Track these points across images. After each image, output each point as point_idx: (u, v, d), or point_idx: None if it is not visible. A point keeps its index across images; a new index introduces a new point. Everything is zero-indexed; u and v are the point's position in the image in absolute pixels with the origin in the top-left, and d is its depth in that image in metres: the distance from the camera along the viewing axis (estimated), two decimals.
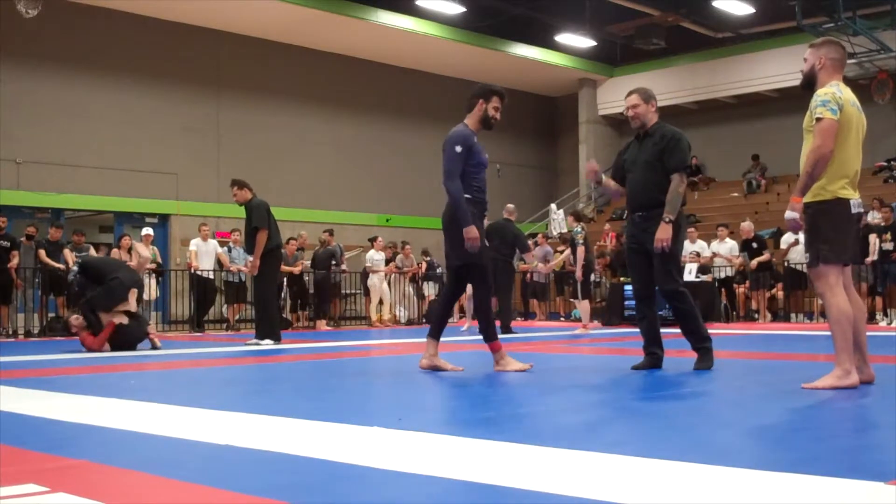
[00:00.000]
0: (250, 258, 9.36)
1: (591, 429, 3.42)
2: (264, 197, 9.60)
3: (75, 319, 8.55)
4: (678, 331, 5.57)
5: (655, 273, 5.38)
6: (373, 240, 16.05)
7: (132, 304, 8.62)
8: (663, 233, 5.20)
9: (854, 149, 4.31)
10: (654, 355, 5.44)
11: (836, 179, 4.25)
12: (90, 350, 8.25)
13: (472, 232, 5.35)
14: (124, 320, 8.36)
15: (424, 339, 5.73)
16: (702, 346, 5.38)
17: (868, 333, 4.47)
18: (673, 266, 5.38)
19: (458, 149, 5.40)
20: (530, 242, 16.98)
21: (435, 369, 5.56)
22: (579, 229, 11.71)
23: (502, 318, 10.72)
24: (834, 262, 4.24)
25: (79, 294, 8.73)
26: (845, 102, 4.26)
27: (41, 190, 15.66)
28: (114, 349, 8.21)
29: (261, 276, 9.19)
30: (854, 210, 4.29)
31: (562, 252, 15.85)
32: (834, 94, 4.24)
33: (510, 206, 11.63)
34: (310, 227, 17.13)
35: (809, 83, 4.44)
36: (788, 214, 4.30)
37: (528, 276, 16.20)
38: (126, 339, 8.34)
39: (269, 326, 9.28)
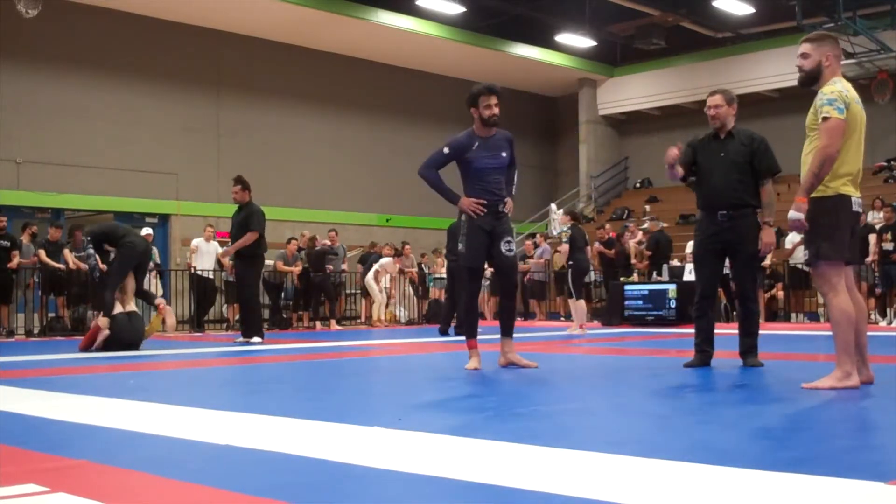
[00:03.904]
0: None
1: (592, 428, 3.42)
2: (265, 196, 9.77)
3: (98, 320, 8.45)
4: (682, 331, 5.61)
5: (739, 273, 5.55)
6: (404, 245, 16.23)
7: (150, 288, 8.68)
8: (769, 237, 5.40)
9: (856, 147, 4.27)
10: (705, 353, 5.55)
11: (837, 177, 4.21)
12: (81, 350, 8.22)
13: (461, 204, 5.64)
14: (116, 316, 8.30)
15: (424, 340, 5.76)
16: (752, 350, 5.56)
17: (868, 333, 4.46)
18: (755, 268, 5.69)
19: (445, 150, 5.66)
20: (528, 243, 17.02)
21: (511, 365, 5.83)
22: (566, 227, 11.60)
23: (458, 318, 10.50)
24: (834, 258, 4.22)
25: (99, 280, 8.65)
26: (851, 101, 4.21)
27: (41, 190, 15.65)
28: (106, 349, 8.13)
29: (246, 278, 9.59)
30: (855, 208, 4.27)
31: (560, 252, 15.82)
32: (840, 92, 4.17)
33: None
34: (310, 227, 17.12)
35: (812, 79, 4.34)
36: (793, 214, 4.22)
37: (527, 276, 16.19)
38: (115, 339, 8.16)
39: (256, 325, 9.70)
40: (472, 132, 5.69)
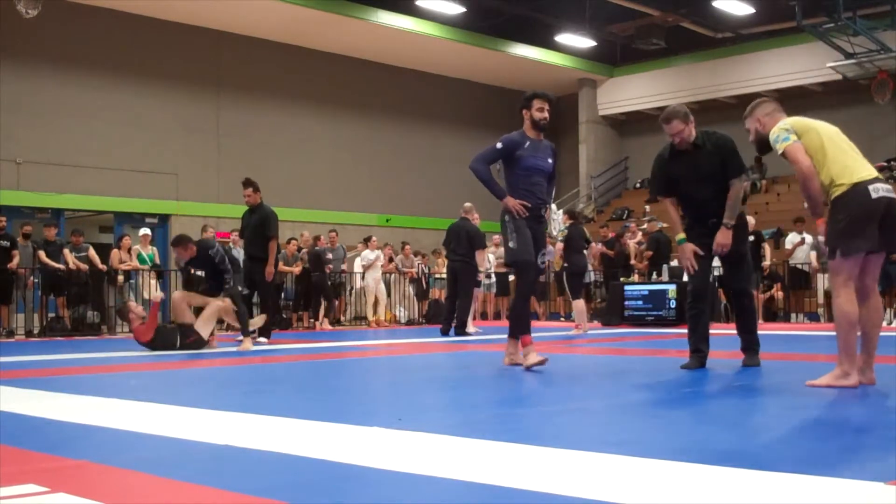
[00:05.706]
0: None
1: (592, 429, 3.42)
2: (265, 196, 9.90)
3: (136, 306, 8.80)
4: (682, 331, 5.61)
5: (730, 274, 5.66)
6: (367, 239, 16.04)
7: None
8: (724, 238, 5.35)
9: (839, 149, 4.33)
10: (701, 354, 5.52)
11: (843, 174, 4.24)
12: (139, 340, 8.30)
13: (507, 202, 5.73)
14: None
15: (424, 340, 5.76)
16: (753, 347, 5.63)
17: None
18: (747, 267, 5.67)
19: (498, 145, 5.87)
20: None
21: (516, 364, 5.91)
22: (564, 227, 11.55)
23: (458, 318, 10.53)
24: (845, 252, 4.18)
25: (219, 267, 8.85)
26: (793, 123, 4.44)
27: (41, 190, 15.66)
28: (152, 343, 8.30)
29: (264, 281, 9.73)
30: (876, 195, 4.17)
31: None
32: (778, 128, 4.43)
33: (467, 204, 11.17)
34: (310, 227, 17.14)
35: (763, 144, 4.63)
36: (819, 239, 4.44)
37: None
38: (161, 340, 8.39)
39: (267, 326, 9.80)
40: (522, 132, 5.93)
